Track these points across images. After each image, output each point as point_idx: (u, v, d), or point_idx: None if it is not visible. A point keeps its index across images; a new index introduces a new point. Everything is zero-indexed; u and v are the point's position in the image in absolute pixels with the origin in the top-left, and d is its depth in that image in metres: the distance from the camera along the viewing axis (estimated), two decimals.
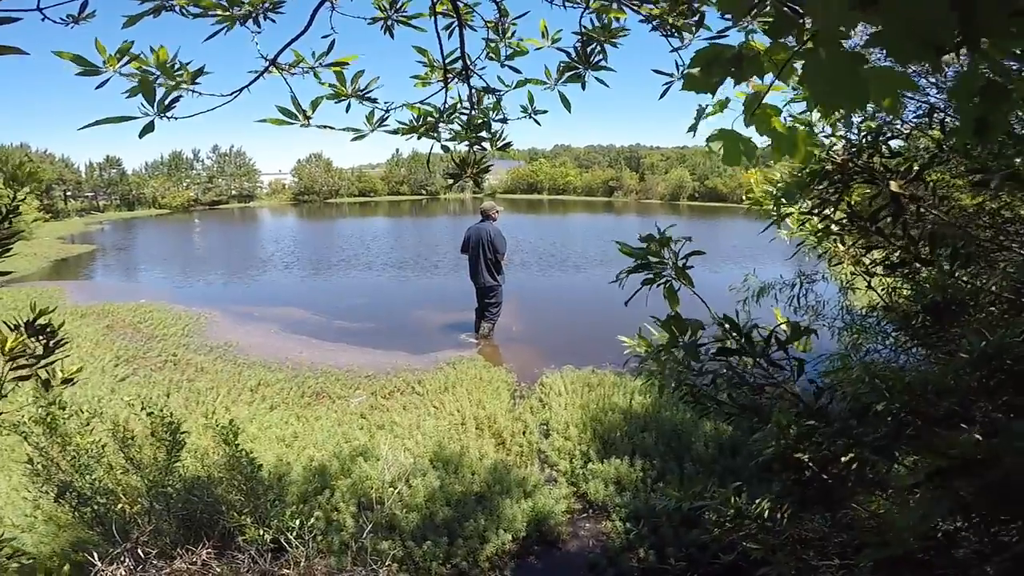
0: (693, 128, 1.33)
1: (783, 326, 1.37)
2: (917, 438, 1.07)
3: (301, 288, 11.11)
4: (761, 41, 0.88)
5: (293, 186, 45.09)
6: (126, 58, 1.29)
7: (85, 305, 9.13)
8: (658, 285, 1.30)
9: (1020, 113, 1.75)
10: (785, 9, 0.77)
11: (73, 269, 14.72)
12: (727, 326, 1.33)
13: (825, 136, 1.61)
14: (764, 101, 0.93)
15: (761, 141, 0.99)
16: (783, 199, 1.83)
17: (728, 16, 1.06)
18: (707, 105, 1.36)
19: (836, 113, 1.56)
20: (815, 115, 1.65)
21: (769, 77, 0.88)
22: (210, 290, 11.17)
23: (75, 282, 12.44)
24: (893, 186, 1.43)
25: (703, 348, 1.33)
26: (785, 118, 1.48)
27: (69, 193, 35.97)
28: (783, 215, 1.86)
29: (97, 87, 1.30)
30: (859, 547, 1.41)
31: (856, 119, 1.62)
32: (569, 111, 1.87)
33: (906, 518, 0.80)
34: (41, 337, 1.53)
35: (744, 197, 1.92)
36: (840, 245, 1.78)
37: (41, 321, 1.53)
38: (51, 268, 14.67)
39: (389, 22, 1.80)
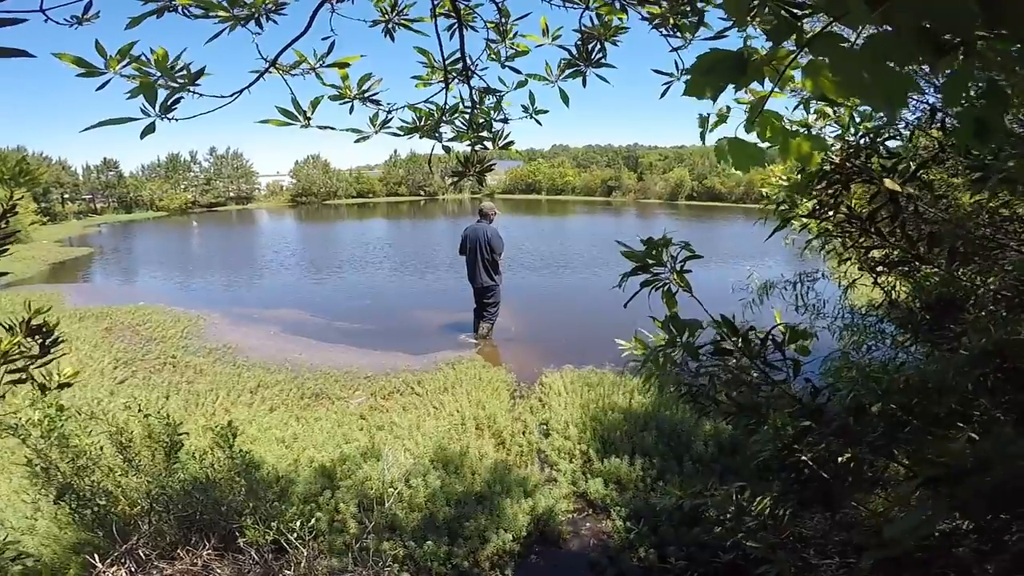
0: (702, 136, 1.41)
1: (780, 328, 1.38)
2: (913, 438, 1.08)
3: (300, 289, 11.09)
4: (757, 47, 0.87)
5: (291, 188, 45.03)
6: (127, 60, 1.29)
7: (84, 307, 9.11)
8: (657, 288, 1.32)
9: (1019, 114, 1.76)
10: (783, 13, 0.77)
11: (71, 272, 14.68)
12: (724, 328, 1.34)
13: (833, 135, 1.62)
14: (766, 108, 0.92)
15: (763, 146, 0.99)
16: (783, 202, 1.84)
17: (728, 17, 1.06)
18: (709, 114, 1.41)
19: (844, 112, 1.59)
20: (812, 118, 1.67)
21: (769, 83, 0.87)
22: (209, 292, 11.15)
23: (73, 285, 12.42)
24: (888, 183, 1.44)
25: (701, 349, 1.35)
26: (796, 120, 1.51)
27: (67, 196, 35.90)
28: (790, 216, 1.87)
29: (98, 88, 1.30)
30: (859, 546, 1.42)
31: (856, 117, 1.63)
32: (568, 106, 1.90)
33: (905, 521, 0.80)
34: (37, 336, 1.52)
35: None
36: (848, 240, 1.79)
37: (37, 321, 1.52)
38: (49, 271, 14.63)
39: (390, 25, 1.80)
